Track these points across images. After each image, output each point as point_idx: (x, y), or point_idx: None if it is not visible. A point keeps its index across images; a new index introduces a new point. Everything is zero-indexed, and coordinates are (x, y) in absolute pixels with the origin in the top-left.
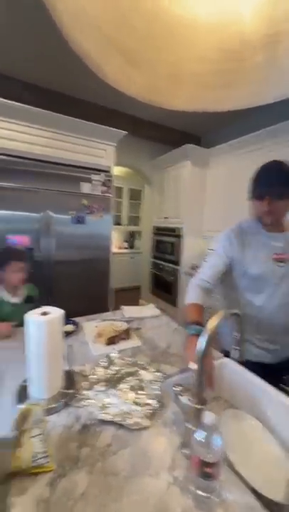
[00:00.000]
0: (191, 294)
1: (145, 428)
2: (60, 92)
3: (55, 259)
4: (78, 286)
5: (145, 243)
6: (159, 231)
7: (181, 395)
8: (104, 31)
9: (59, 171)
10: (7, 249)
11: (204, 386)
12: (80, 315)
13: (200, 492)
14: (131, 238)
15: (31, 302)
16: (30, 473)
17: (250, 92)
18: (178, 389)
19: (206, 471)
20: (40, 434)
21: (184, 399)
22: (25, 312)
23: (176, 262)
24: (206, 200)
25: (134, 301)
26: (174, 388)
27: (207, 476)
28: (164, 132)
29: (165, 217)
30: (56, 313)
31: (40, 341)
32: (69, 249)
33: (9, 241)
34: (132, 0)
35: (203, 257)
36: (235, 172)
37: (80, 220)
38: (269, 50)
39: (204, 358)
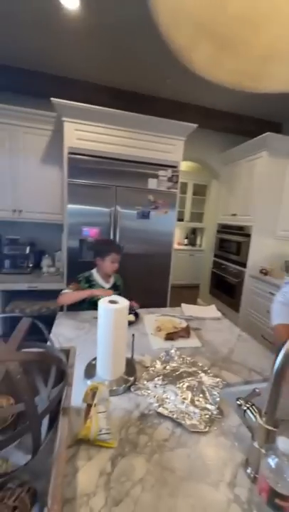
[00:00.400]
0: (278, 313)
1: (203, 433)
2: (132, 92)
3: None
4: (139, 280)
5: (208, 241)
6: (224, 229)
7: (248, 410)
8: (196, 19)
9: (129, 168)
10: (109, 241)
11: (277, 406)
12: (140, 307)
13: None
14: (192, 235)
15: (116, 290)
16: (95, 444)
17: None
18: (244, 403)
19: (277, 502)
20: (104, 412)
21: (251, 415)
22: None
23: (242, 264)
24: (284, 195)
25: (191, 300)
26: (238, 402)
27: (278, 509)
28: (238, 121)
29: (233, 214)
30: (123, 302)
31: (108, 326)
32: (132, 243)
33: (84, 233)
34: None
35: (275, 261)
36: None
37: (144, 215)
38: None
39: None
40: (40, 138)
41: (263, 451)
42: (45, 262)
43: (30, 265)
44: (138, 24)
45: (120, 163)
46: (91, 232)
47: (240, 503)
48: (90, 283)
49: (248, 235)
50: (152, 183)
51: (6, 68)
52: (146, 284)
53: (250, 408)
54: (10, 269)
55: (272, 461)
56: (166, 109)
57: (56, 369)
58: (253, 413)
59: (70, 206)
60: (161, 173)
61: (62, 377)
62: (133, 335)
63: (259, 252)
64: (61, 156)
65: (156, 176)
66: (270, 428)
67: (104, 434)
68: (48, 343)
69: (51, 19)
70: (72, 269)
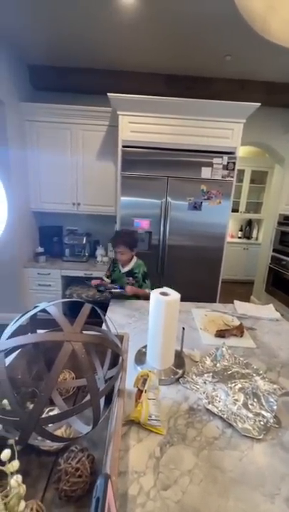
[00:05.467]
0: None
1: (256, 440)
2: (189, 76)
3: (169, 243)
4: (188, 272)
5: (266, 234)
6: (287, 220)
7: None
8: None
9: (182, 157)
10: (116, 234)
11: None
12: (188, 300)
13: None
14: (247, 227)
15: (131, 276)
16: (145, 428)
17: None
18: None
19: None
20: (154, 399)
21: None
22: (123, 280)
23: None
24: None
25: (244, 297)
26: None
27: None
28: None
29: None
30: (175, 295)
31: (159, 317)
32: (182, 235)
33: (135, 224)
34: None
35: None
36: None
37: (196, 206)
38: None
39: None
40: (97, 134)
41: None
42: (99, 251)
43: (86, 254)
44: (195, 4)
45: (173, 153)
46: (142, 224)
47: None
48: (114, 266)
49: None
50: (206, 172)
51: (65, 70)
52: (195, 277)
53: None
54: (69, 257)
55: None
56: (225, 89)
57: (111, 352)
58: None
59: (123, 198)
60: (215, 160)
61: (116, 360)
62: (183, 328)
63: None
64: (115, 150)
65: (210, 165)
66: None
67: (154, 420)
68: (104, 328)
69: (106, 13)
70: None
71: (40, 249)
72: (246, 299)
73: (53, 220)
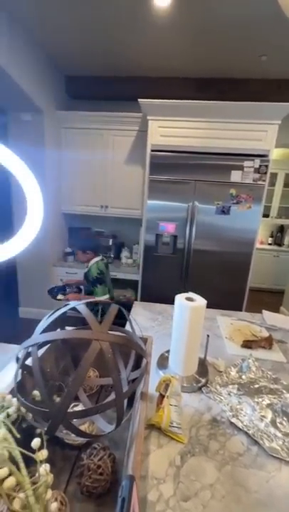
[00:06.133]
0: None
1: (285, 462)
2: (222, 78)
3: (194, 247)
4: (214, 278)
5: None
6: None
7: None
8: None
9: (211, 161)
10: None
11: None
12: (212, 307)
13: None
14: (279, 233)
15: (86, 278)
16: (166, 434)
17: None
18: None
19: None
20: (176, 406)
21: None
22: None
23: None
24: None
25: (273, 307)
26: None
27: None
28: None
29: None
30: (200, 301)
31: (183, 323)
32: (209, 240)
33: (160, 227)
34: None
35: None
36: None
37: (224, 211)
38: None
39: None
40: (127, 139)
41: None
42: (124, 253)
43: (112, 256)
44: (233, 5)
45: (202, 157)
46: (167, 227)
47: None
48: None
49: None
50: (236, 176)
51: (99, 79)
52: (221, 283)
53: None
54: None
55: None
56: (261, 90)
57: (135, 354)
58: None
59: (150, 202)
60: (246, 163)
61: (139, 362)
62: (208, 335)
63: None
64: (144, 154)
65: (240, 168)
66: None
67: (175, 427)
68: (129, 329)
69: (139, 19)
70: (148, 262)
71: (69, 249)
72: (276, 309)
73: (81, 222)
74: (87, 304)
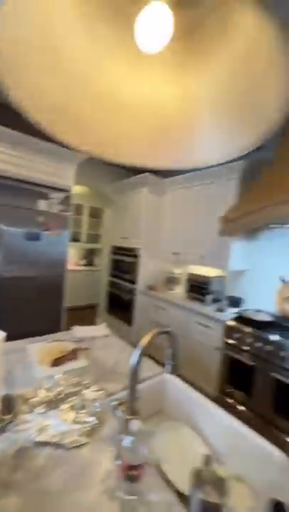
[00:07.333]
0: None
1: (83, 445)
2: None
3: (2, 275)
4: (28, 305)
5: (104, 261)
6: (117, 250)
7: (117, 409)
8: (59, 106)
9: (17, 186)
10: None
11: (135, 398)
12: (30, 336)
13: (126, 496)
14: (90, 256)
15: None
16: None
17: (174, 158)
18: (114, 403)
19: (130, 473)
20: None
21: (119, 412)
22: None
23: (133, 281)
24: (163, 223)
25: (90, 320)
26: (111, 403)
27: (132, 479)
28: None
29: (124, 237)
30: None
31: None
32: (19, 265)
33: None
34: (83, 84)
35: (159, 278)
36: (188, 201)
37: (34, 237)
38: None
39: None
40: None
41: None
42: None
43: None
44: None
45: (6, 180)
46: None
47: (109, 491)
48: None
49: (137, 256)
50: (43, 205)
51: None
52: (38, 308)
53: (117, 406)
54: None
55: (127, 442)
56: None
57: None
58: (117, 409)
59: None
60: (52, 195)
61: None
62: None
63: (147, 271)
64: None
65: (46, 198)
66: (128, 417)
67: None
68: None
69: None
70: None
71: None
72: (92, 321)
73: None
74: None
